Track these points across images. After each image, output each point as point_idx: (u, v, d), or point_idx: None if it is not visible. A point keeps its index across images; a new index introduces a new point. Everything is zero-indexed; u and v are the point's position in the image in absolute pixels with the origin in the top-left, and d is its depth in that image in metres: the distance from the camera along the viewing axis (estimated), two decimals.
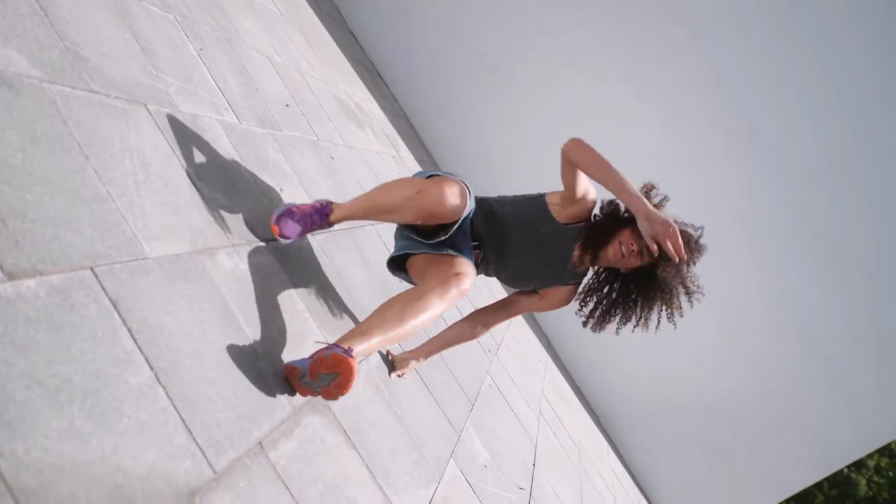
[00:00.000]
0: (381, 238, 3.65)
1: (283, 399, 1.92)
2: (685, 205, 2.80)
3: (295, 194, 2.86)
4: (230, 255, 2.11)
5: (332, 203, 2.50)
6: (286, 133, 3.21)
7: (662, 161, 6.38)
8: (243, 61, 3.26)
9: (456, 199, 2.35)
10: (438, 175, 2.46)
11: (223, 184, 2.33)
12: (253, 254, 2.24)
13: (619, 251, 2.44)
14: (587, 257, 2.51)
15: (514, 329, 5.75)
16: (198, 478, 1.46)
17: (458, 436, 3.04)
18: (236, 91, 2.95)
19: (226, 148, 2.52)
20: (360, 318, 2.77)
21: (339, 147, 3.92)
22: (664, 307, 2.50)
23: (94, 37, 2.10)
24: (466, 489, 2.78)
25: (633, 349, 7.00)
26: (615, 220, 2.50)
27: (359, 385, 2.42)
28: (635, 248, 2.40)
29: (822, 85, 6.23)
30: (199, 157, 2.27)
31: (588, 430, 6.25)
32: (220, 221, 2.16)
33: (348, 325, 2.63)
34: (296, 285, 2.41)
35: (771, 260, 6.64)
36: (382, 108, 5.99)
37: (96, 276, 1.52)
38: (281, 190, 2.76)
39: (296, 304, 2.33)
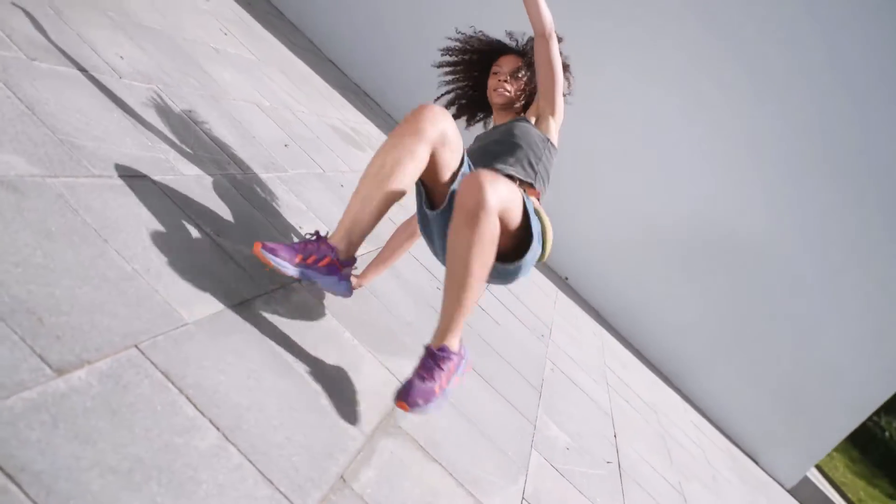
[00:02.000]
0: (410, 252, 3.63)
1: (352, 430, 1.91)
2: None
3: (313, 228, 2.85)
4: (266, 301, 2.10)
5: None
6: (291, 172, 3.21)
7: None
8: (233, 113, 3.26)
9: (433, 109, 2.14)
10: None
11: (243, 234, 2.32)
12: (288, 296, 2.23)
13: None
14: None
15: (561, 309, 5.71)
16: None
17: (532, 425, 3.01)
18: (233, 143, 2.95)
19: (237, 200, 2.51)
20: (407, 334, 2.75)
21: (346, 174, 3.92)
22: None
23: (84, 123, 2.11)
24: (555, 476, 2.75)
25: (673, 297, 6.93)
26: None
27: None
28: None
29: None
30: (213, 215, 2.27)
31: (659, 391, 6.19)
32: (249, 271, 2.15)
33: (399, 343, 2.62)
34: (337, 317, 2.40)
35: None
36: (377, 125, 5.99)
37: (142, 353, 1.51)
38: (300, 227, 2.75)
39: (342, 334, 2.32)
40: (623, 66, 6.58)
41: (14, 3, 2.44)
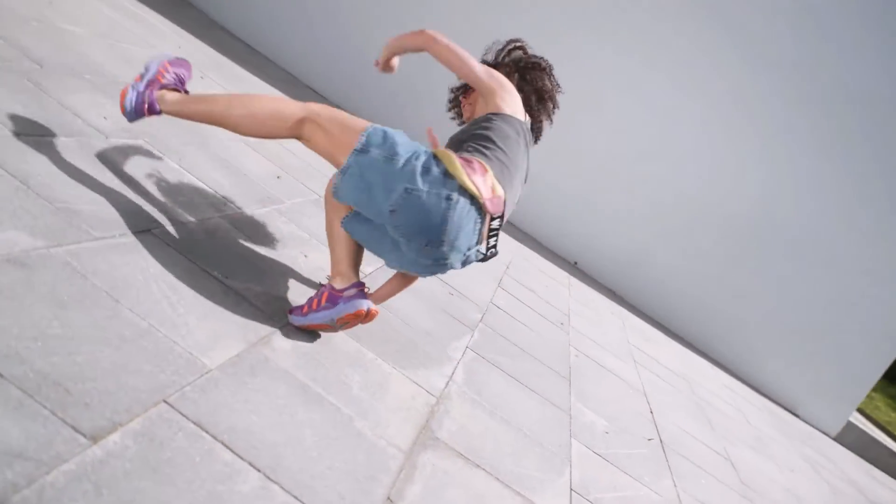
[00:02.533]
0: None
1: (391, 449, 1.90)
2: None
3: (319, 256, 2.85)
4: (286, 334, 2.10)
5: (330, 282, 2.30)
6: (288, 203, 3.21)
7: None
8: (222, 154, 3.27)
9: None
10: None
11: (251, 273, 2.33)
12: (297, 336, 2.24)
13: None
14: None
15: (575, 294, 5.70)
16: None
17: (567, 414, 3.00)
18: (227, 183, 2.96)
19: (239, 239, 2.52)
20: (429, 344, 2.75)
21: None
22: None
23: (78, 189, 2.11)
24: (599, 462, 2.74)
25: (688, 264, 6.91)
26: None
27: (455, 404, 2.40)
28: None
29: None
30: (219, 258, 2.28)
31: (687, 359, 6.17)
32: (263, 308, 2.16)
33: (422, 354, 2.61)
34: (358, 339, 2.40)
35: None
36: None
37: (172, 406, 1.51)
38: (305, 256, 2.76)
39: (365, 355, 2.32)
40: (620, 50, 6.58)
41: None
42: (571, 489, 2.37)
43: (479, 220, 2.08)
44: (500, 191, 2.12)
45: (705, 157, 6.74)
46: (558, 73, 2.80)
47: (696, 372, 5.94)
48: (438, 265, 2.16)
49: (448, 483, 1.93)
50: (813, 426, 7.11)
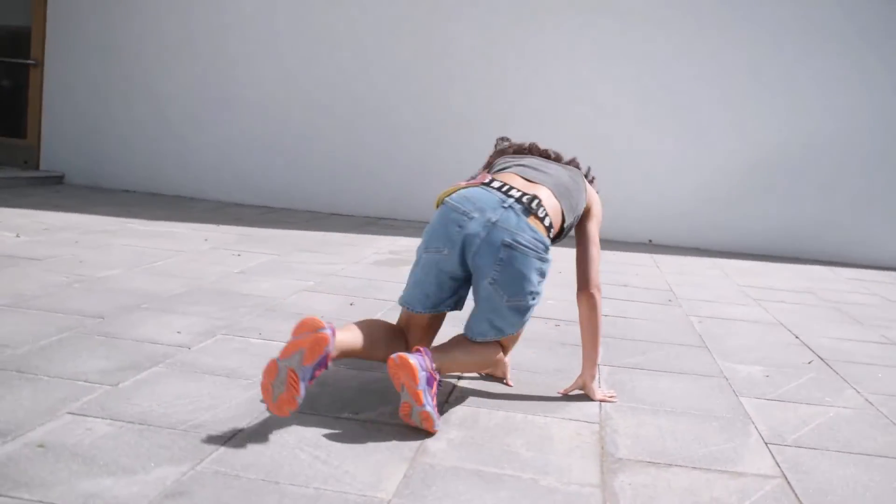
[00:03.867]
0: None
1: (586, 489, 1.87)
2: None
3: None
4: (436, 439, 2.11)
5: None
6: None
7: None
8: (292, 309, 3.33)
9: None
10: None
11: (374, 399, 2.35)
12: (449, 418, 2.24)
13: None
14: None
15: (665, 268, 5.61)
16: None
17: (722, 376, 2.93)
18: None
19: (347, 374, 2.55)
20: (564, 380, 2.72)
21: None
22: None
23: (190, 403, 2.17)
24: (776, 405, 2.65)
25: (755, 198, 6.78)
26: None
27: (618, 421, 2.36)
28: None
29: None
30: (341, 400, 2.30)
31: (801, 273, 6.00)
32: (401, 424, 2.16)
33: (569, 407, 2.59)
34: (500, 407, 2.39)
35: None
36: (412, 240, 6.07)
37: None
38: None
39: (514, 418, 2.31)
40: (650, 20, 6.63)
41: (64, 333, 2.56)
42: (766, 444, 2.29)
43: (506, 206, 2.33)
44: (490, 177, 2.45)
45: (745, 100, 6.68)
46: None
47: (816, 279, 5.76)
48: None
49: (653, 493, 1.88)
50: None
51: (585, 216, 2.65)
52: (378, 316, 3.35)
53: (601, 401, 2.52)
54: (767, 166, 6.77)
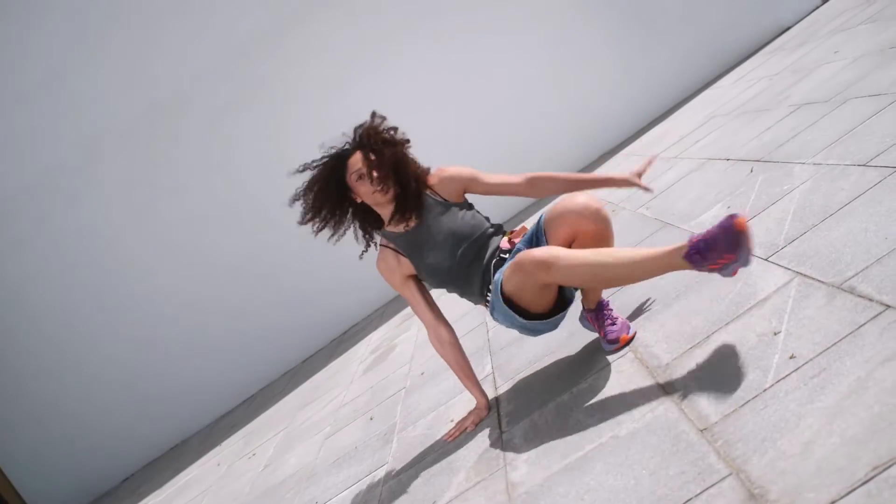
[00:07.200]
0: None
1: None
2: None
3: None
4: (515, 467, 2.10)
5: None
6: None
7: None
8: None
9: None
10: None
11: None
12: (513, 454, 2.24)
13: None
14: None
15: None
16: None
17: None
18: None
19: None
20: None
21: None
22: None
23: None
24: (753, 223, 2.70)
25: None
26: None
27: (646, 332, 2.38)
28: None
29: None
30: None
31: (696, 108, 6.13)
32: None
33: (597, 357, 2.60)
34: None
35: None
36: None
37: None
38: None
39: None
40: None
41: None
42: (766, 259, 2.32)
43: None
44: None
45: None
46: None
47: (710, 103, 5.88)
48: None
49: (713, 364, 1.90)
50: None
51: (473, 185, 2.70)
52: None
53: (647, 166, 2.59)
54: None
